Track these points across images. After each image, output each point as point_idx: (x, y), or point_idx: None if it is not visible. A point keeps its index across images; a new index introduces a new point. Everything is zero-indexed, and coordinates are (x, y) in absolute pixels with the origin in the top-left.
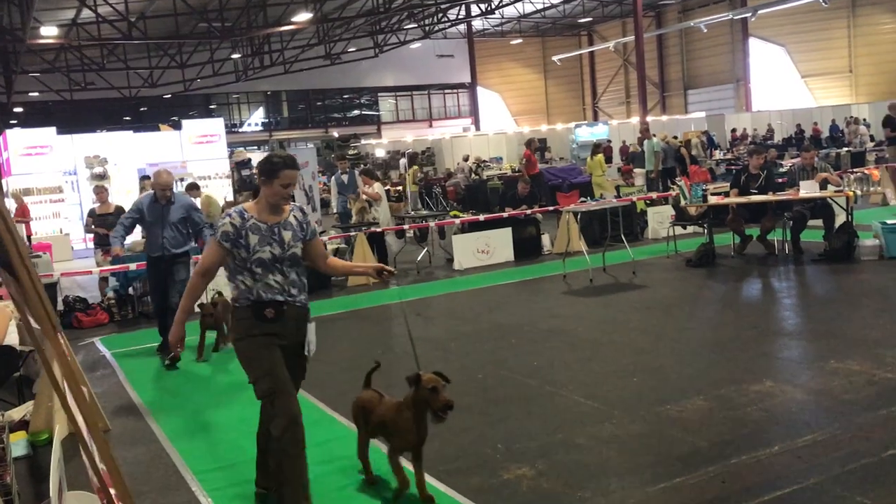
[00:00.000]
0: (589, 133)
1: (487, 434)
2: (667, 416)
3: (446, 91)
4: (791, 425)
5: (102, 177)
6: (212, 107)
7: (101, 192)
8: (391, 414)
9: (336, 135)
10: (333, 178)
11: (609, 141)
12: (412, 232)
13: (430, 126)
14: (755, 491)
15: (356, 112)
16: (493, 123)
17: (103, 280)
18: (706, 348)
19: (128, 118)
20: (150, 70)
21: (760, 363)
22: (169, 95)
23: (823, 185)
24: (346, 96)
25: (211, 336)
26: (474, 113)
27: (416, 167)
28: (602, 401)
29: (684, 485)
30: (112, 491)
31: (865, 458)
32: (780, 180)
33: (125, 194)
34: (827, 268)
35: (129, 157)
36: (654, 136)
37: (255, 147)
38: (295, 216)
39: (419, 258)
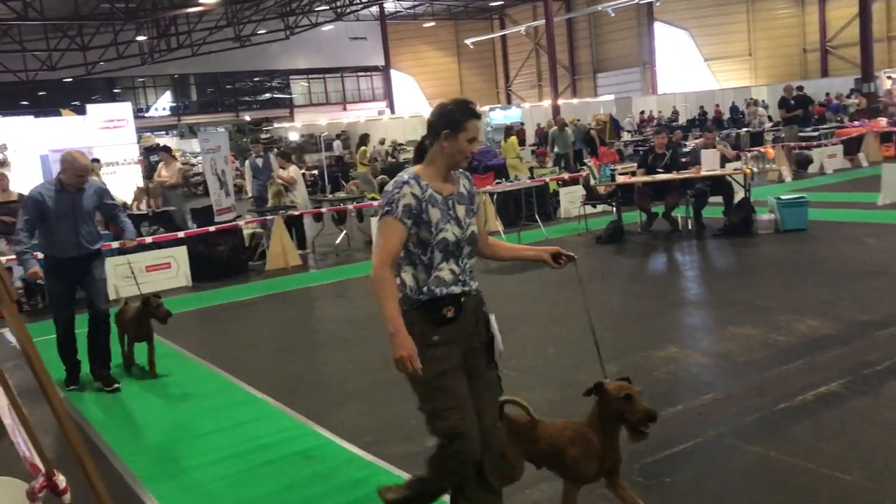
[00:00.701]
0: (503, 116)
1: (411, 406)
2: (580, 382)
3: (360, 74)
4: (693, 386)
5: (2, 164)
6: (116, 91)
7: (1, 180)
8: (567, 439)
9: (248, 118)
10: (247, 162)
11: (522, 124)
12: (331, 215)
13: (345, 109)
14: (662, 446)
15: (268, 95)
16: (409, 106)
17: (8, 270)
18: (617, 319)
19: (25, 102)
20: (48, 52)
21: (666, 331)
22: (70, 79)
23: (723, 163)
24: (256, 79)
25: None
26: (389, 96)
27: (364, 148)
28: (520, 370)
29: None
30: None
31: (759, 412)
32: (683, 160)
33: (27, 181)
34: (727, 241)
35: (30, 144)
36: (567, 125)
37: (163, 132)
38: (464, 185)
39: (338, 241)
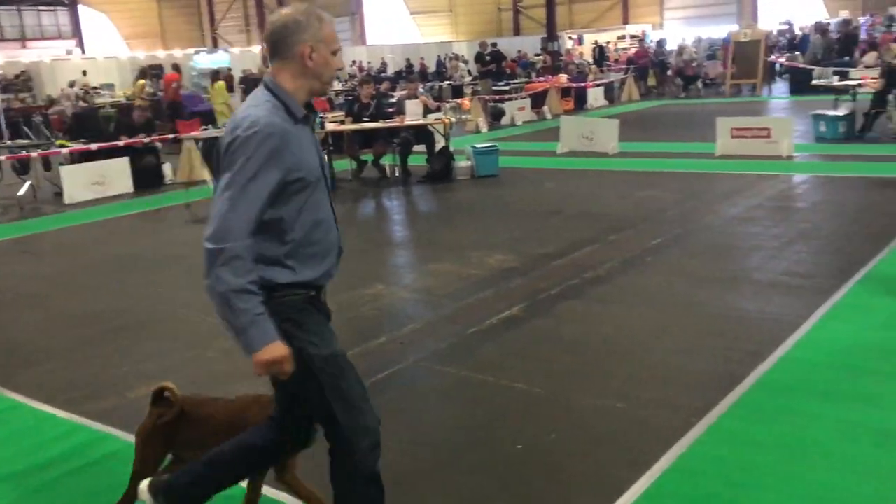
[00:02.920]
0: (209, 61)
1: (115, 360)
2: None
3: (41, 8)
4: (397, 319)
5: None
6: None
7: None
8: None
9: None
10: None
11: (230, 69)
12: (11, 164)
13: (24, 47)
14: (366, 375)
15: None
16: (103, 47)
17: None
18: None
19: None
20: None
21: (374, 270)
22: None
23: (426, 113)
24: None
25: None
26: (77, 34)
27: (143, 81)
28: None
29: None
30: None
31: (453, 338)
32: (389, 110)
33: None
34: (430, 187)
35: None
36: None
37: None
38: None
39: (21, 192)
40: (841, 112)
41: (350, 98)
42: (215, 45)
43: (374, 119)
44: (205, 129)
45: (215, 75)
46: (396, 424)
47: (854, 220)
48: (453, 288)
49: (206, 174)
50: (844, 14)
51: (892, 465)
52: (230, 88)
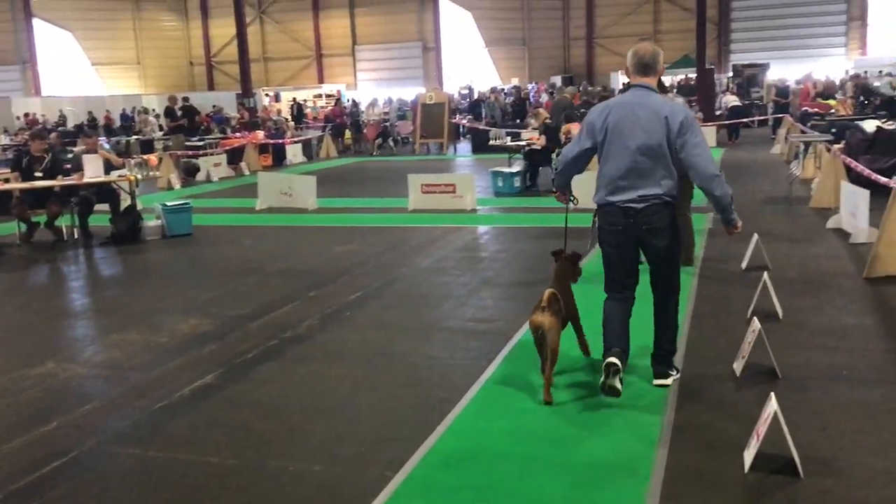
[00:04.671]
0: None
1: None
2: None
3: None
4: (71, 399)
5: None
6: None
7: None
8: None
9: None
10: None
11: None
12: None
13: None
14: (31, 468)
15: None
16: None
17: None
18: None
19: None
20: None
21: (44, 346)
22: None
23: (108, 170)
24: None
25: None
26: None
27: None
28: None
29: None
30: None
31: (138, 414)
32: (67, 166)
33: None
34: (115, 249)
35: None
36: None
37: None
38: None
39: None
40: (514, 169)
41: (19, 152)
42: None
43: (48, 176)
44: None
45: None
46: None
47: (528, 267)
48: (140, 359)
49: None
50: (515, 81)
51: (574, 498)
52: None
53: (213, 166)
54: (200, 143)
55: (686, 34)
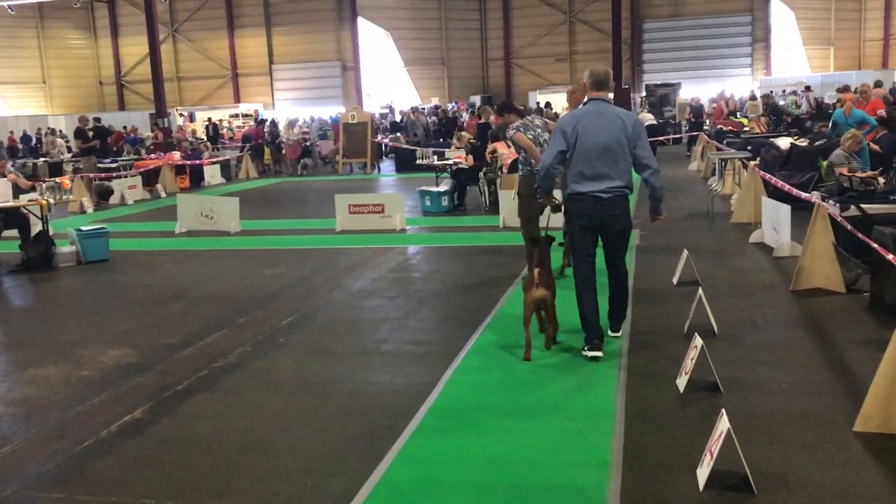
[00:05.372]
0: None
1: None
2: None
3: None
4: None
5: None
6: None
7: None
8: None
9: None
10: None
11: None
12: None
13: None
14: None
15: None
16: None
17: None
18: None
19: None
20: None
21: None
22: None
23: (17, 194)
24: None
25: None
26: None
27: None
28: None
29: None
30: None
31: (61, 456)
32: None
33: None
34: (25, 277)
35: None
36: None
37: None
38: None
39: None
40: (442, 188)
41: None
42: None
43: None
44: None
45: None
46: None
47: (463, 286)
48: (60, 395)
49: None
50: (436, 100)
51: None
52: None
53: (128, 189)
54: (114, 166)
55: (601, 55)
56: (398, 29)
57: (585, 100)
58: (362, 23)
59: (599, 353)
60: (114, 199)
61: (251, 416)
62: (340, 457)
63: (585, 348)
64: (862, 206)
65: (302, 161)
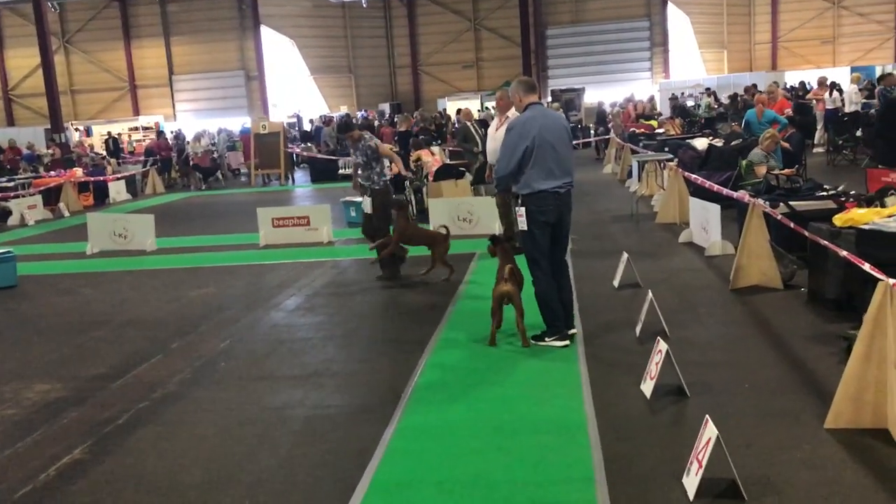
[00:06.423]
0: None
1: None
2: None
3: None
4: None
5: None
6: None
7: None
8: None
9: None
10: None
11: None
12: None
13: None
14: None
15: None
16: None
17: None
18: None
19: None
20: None
21: None
22: None
23: None
24: None
25: None
26: None
27: None
28: None
29: None
30: None
31: None
32: None
33: None
34: None
35: None
36: None
37: None
38: None
39: None
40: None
41: None
42: None
43: None
44: None
45: None
46: None
47: (405, 298)
48: None
49: None
50: (344, 108)
51: None
52: None
53: (28, 209)
54: (10, 185)
55: (506, 61)
56: (303, 37)
57: (525, 105)
58: (265, 31)
59: (569, 343)
60: (13, 220)
61: (204, 449)
62: (309, 489)
63: (555, 338)
64: (790, 203)
65: (214, 175)
